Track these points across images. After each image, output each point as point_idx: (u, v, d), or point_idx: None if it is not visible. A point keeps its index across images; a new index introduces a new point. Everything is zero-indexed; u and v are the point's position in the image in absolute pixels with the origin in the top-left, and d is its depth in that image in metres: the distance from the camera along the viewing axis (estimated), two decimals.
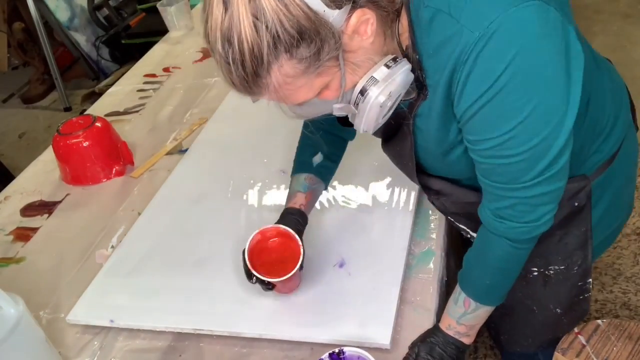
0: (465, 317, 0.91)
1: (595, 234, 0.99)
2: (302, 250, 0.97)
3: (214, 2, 0.66)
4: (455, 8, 0.69)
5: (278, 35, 0.65)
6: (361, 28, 0.70)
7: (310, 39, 0.66)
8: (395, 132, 0.92)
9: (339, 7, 0.67)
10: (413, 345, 0.93)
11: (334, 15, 0.66)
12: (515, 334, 1.17)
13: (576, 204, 0.94)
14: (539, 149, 0.74)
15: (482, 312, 0.92)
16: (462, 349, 0.93)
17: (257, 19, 0.64)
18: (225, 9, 0.65)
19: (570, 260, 1.01)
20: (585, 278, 1.05)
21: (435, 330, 0.94)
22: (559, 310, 1.08)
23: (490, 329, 1.25)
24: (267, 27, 0.64)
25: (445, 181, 0.97)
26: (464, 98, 0.73)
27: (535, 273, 1.03)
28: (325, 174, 1.10)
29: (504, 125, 0.72)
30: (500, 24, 0.67)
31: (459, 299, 0.92)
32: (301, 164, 1.09)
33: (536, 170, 0.75)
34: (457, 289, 0.92)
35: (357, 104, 0.77)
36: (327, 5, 0.66)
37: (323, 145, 1.08)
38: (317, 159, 1.08)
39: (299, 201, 1.06)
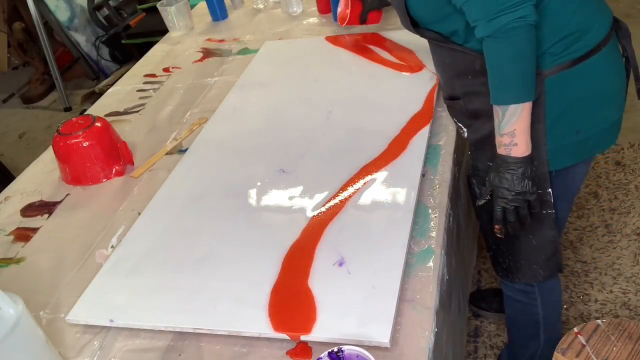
0: (502, 126, 1.05)
1: (550, 134, 1.12)
2: None
3: None
4: None
5: None
6: None
7: None
8: None
9: None
10: (488, 180, 1.13)
11: None
12: (497, 250, 1.33)
13: None
14: None
15: (511, 115, 1.03)
16: (518, 161, 1.07)
17: None
18: None
19: None
20: (544, 187, 1.16)
21: (496, 158, 1.10)
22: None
23: (487, 250, 1.41)
24: None
25: (430, 32, 1.16)
26: None
27: None
28: None
29: None
30: None
31: (494, 113, 1.06)
32: None
33: None
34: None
35: None
36: None
37: None
38: None
39: None
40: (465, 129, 1.26)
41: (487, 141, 1.16)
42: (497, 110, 1.05)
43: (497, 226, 1.14)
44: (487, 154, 1.18)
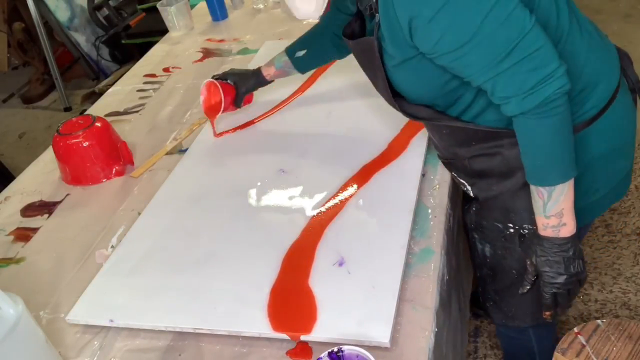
0: (548, 207, 0.95)
1: None
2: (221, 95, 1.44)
3: None
4: None
5: None
6: None
7: None
8: (368, 60, 1.04)
9: None
10: (530, 264, 1.01)
11: None
12: (499, 301, 1.23)
13: None
14: (484, 33, 0.84)
15: (558, 195, 0.94)
16: (567, 242, 0.98)
17: None
18: None
19: None
20: None
21: (536, 239, 1.00)
22: (535, 278, 1.10)
23: (483, 299, 1.30)
24: None
25: (424, 107, 1.04)
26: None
27: (512, 230, 1.09)
28: (301, 66, 1.43)
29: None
30: None
31: (534, 194, 0.97)
32: (289, 50, 1.41)
33: (496, 50, 0.86)
34: (531, 187, 0.97)
35: None
36: None
37: (317, 45, 1.38)
38: (300, 53, 1.39)
39: (270, 72, 1.47)
40: (469, 187, 1.15)
41: (496, 203, 1.09)
42: (542, 191, 0.95)
43: (547, 313, 1.03)
44: (495, 215, 1.11)
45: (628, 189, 1.14)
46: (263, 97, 1.62)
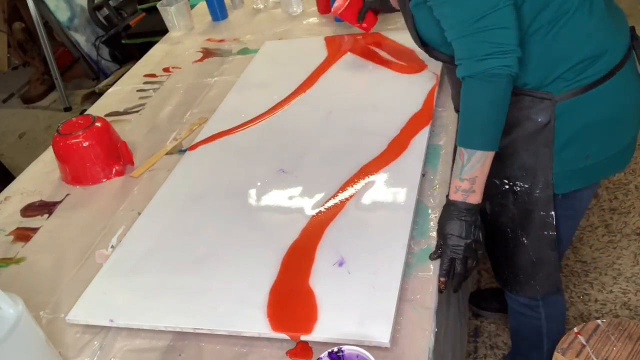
0: (464, 170, 1.04)
1: (558, 159, 1.10)
2: None
3: None
4: None
5: None
6: None
7: None
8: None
9: None
10: (441, 227, 1.06)
11: None
12: (495, 262, 1.32)
13: (539, 119, 1.07)
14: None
15: (476, 161, 1.02)
16: (472, 208, 1.05)
17: None
18: None
19: (534, 180, 1.13)
20: (547, 209, 1.14)
21: (447, 205, 1.07)
22: (525, 240, 1.18)
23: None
24: None
25: (440, 53, 1.15)
26: None
27: (507, 186, 1.17)
28: None
29: None
30: None
31: (456, 155, 1.05)
32: None
33: (467, 13, 0.96)
34: (457, 150, 1.05)
35: None
36: None
37: None
38: None
39: None
40: None
41: (494, 157, 1.10)
42: (463, 153, 1.03)
43: (442, 279, 1.02)
44: (493, 170, 1.10)
45: (626, 166, 1.18)
46: (260, 97, 1.62)
